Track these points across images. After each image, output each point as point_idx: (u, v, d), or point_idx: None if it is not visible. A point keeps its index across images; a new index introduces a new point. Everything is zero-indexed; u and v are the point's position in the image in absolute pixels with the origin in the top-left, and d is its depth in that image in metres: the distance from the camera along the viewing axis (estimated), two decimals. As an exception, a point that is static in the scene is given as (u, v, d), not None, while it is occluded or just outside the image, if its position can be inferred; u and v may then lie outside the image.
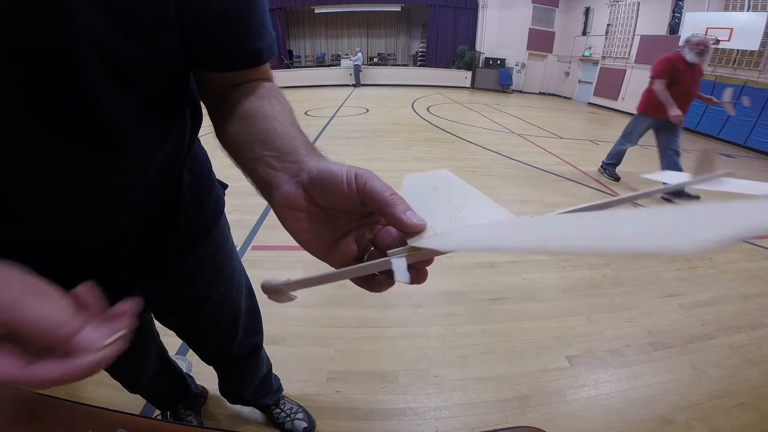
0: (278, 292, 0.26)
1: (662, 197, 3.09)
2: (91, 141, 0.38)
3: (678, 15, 7.82)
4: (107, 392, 1.30)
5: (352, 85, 11.46)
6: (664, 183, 0.50)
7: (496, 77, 11.46)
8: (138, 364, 0.84)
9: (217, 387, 1.11)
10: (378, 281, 0.29)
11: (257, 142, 0.35)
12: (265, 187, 0.34)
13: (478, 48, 11.76)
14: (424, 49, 12.86)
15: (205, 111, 0.50)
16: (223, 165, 0.57)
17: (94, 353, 0.24)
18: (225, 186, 0.73)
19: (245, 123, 0.38)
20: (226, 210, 0.72)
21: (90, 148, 0.38)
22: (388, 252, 0.26)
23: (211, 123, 0.49)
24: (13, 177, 0.35)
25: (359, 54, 11.55)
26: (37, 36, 0.29)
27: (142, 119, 0.41)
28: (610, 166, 3.85)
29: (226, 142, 0.40)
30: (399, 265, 0.25)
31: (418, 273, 0.28)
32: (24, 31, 0.29)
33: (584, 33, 10.66)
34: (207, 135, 0.65)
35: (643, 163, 4.67)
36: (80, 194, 0.41)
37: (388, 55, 13.85)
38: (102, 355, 0.24)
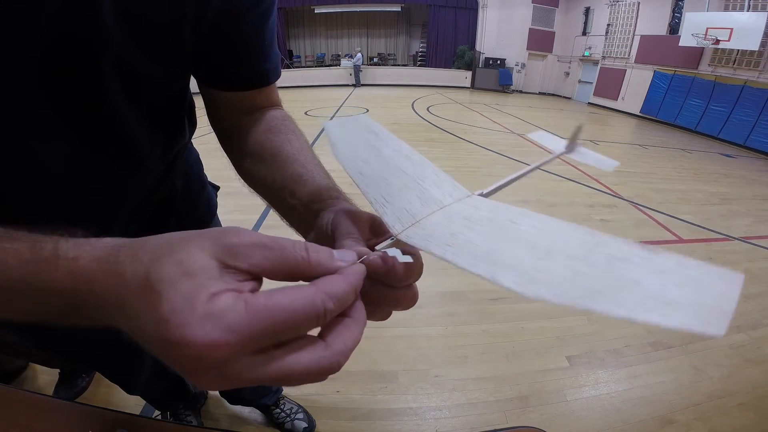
0: None
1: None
2: (109, 151, 0.40)
3: (678, 15, 7.82)
4: (107, 392, 1.30)
5: (352, 85, 11.46)
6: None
7: (496, 77, 11.46)
8: (132, 365, 0.84)
9: (217, 387, 1.11)
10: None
11: (286, 190, 0.37)
12: (294, 226, 0.38)
13: (478, 48, 11.75)
14: (424, 49, 12.86)
15: (201, 108, 0.51)
16: (221, 165, 0.57)
17: (356, 264, 0.22)
18: (217, 188, 0.74)
19: (269, 166, 0.40)
20: (225, 210, 0.73)
21: (110, 159, 0.40)
22: (376, 247, 0.25)
23: (209, 125, 0.50)
24: (35, 183, 0.37)
25: (359, 54, 11.55)
26: (68, 44, 0.31)
27: (149, 130, 0.43)
28: None
29: (252, 183, 0.42)
30: (394, 252, 0.24)
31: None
32: (57, 39, 0.30)
33: (584, 33, 10.65)
34: (205, 136, 0.66)
35: (642, 163, 4.67)
36: (91, 201, 0.42)
37: (388, 55, 13.85)
38: (361, 268, 0.23)
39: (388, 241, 0.25)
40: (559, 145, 0.59)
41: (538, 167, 0.42)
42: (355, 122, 0.34)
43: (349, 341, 0.21)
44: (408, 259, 0.23)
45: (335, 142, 0.31)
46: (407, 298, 0.25)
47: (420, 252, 0.25)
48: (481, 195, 0.30)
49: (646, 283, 0.19)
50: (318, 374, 0.20)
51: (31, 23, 0.28)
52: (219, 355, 0.17)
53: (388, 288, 0.24)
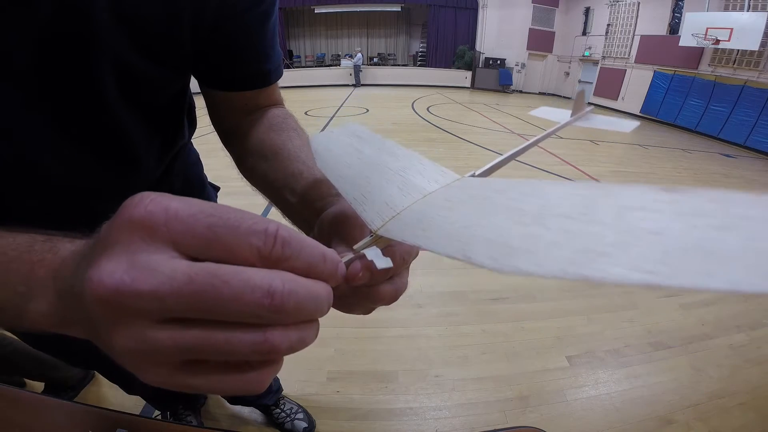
0: None
1: None
2: (107, 152, 0.40)
3: (678, 15, 7.81)
4: (107, 392, 1.30)
5: (352, 85, 11.46)
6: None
7: (496, 77, 11.45)
8: None
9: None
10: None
11: (287, 188, 0.37)
12: (297, 224, 0.37)
13: (478, 48, 11.75)
14: (424, 49, 12.85)
15: (201, 108, 0.51)
16: (221, 165, 0.57)
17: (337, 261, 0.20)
18: (217, 188, 0.74)
19: (271, 164, 0.40)
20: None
21: (108, 160, 0.40)
22: (354, 247, 0.23)
23: (209, 124, 0.50)
24: (33, 185, 0.37)
25: (359, 54, 11.55)
26: (63, 45, 0.30)
27: (148, 131, 0.43)
28: None
29: (255, 181, 0.42)
30: (373, 253, 0.22)
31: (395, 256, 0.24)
32: (51, 40, 0.30)
33: (584, 33, 10.65)
34: (205, 135, 0.66)
35: (642, 163, 4.67)
36: (90, 202, 0.42)
37: (388, 55, 13.85)
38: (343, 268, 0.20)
39: (367, 239, 0.23)
40: (564, 116, 0.55)
41: (542, 139, 0.39)
42: (343, 130, 0.33)
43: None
44: (387, 264, 0.21)
45: (320, 152, 0.31)
46: (389, 293, 0.24)
47: (400, 253, 0.23)
48: (472, 176, 0.28)
49: (672, 233, 0.14)
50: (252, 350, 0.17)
51: (25, 24, 0.28)
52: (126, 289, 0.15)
53: (368, 285, 0.23)
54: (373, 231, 0.22)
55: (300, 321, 0.18)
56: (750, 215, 0.13)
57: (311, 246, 0.18)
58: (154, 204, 0.16)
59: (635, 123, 0.56)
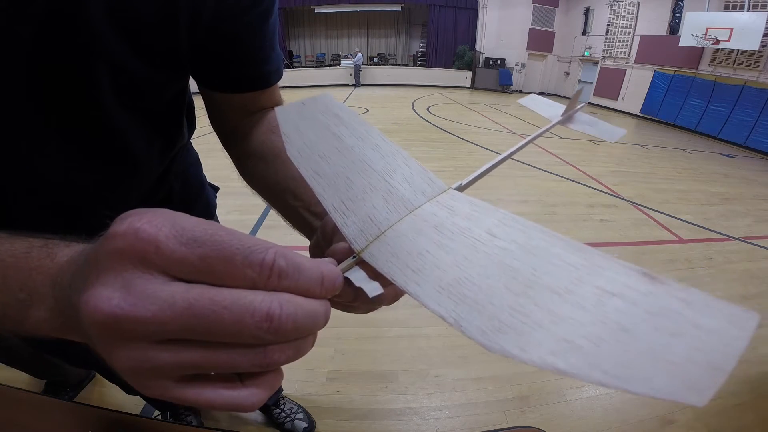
0: None
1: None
2: (105, 155, 0.40)
3: (678, 15, 7.81)
4: (107, 392, 1.30)
5: (352, 85, 11.46)
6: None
7: (496, 77, 11.45)
8: None
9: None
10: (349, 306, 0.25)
11: (288, 192, 0.37)
12: (297, 228, 0.38)
13: (478, 48, 11.75)
14: (424, 49, 12.85)
15: (201, 108, 0.51)
16: (221, 165, 0.57)
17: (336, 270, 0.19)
18: (216, 189, 0.73)
19: (271, 167, 0.40)
20: (225, 210, 0.73)
21: (106, 163, 0.40)
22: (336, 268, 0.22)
23: (209, 124, 0.50)
24: (31, 188, 0.37)
25: (359, 54, 11.55)
26: (57, 49, 0.30)
27: (147, 134, 0.43)
28: None
29: (254, 184, 0.42)
30: (360, 276, 0.21)
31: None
32: (45, 43, 0.29)
33: (584, 33, 10.65)
34: (205, 136, 0.65)
35: (641, 163, 4.67)
36: (89, 204, 0.42)
37: (388, 55, 13.84)
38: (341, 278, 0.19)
39: (350, 260, 0.21)
40: (555, 111, 0.53)
41: (527, 144, 0.38)
42: (315, 105, 0.28)
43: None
44: (377, 291, 0.20)
45: (289, 134, 0.26)
46: (389, 295, 0.24)
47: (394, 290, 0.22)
48: (459, 187, 0.27)
49: (637, 333, 0.15)
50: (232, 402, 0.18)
51: (19, 27, 0.28)
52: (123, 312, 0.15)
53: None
54: (357, 252, 0.21)
55: (298, 338, 0.18)
56: (701, 324, 0.15)
57: (309, 270, 0.18)
58: (143, 232, 0.16)
59: (622, 131, 0.54)
